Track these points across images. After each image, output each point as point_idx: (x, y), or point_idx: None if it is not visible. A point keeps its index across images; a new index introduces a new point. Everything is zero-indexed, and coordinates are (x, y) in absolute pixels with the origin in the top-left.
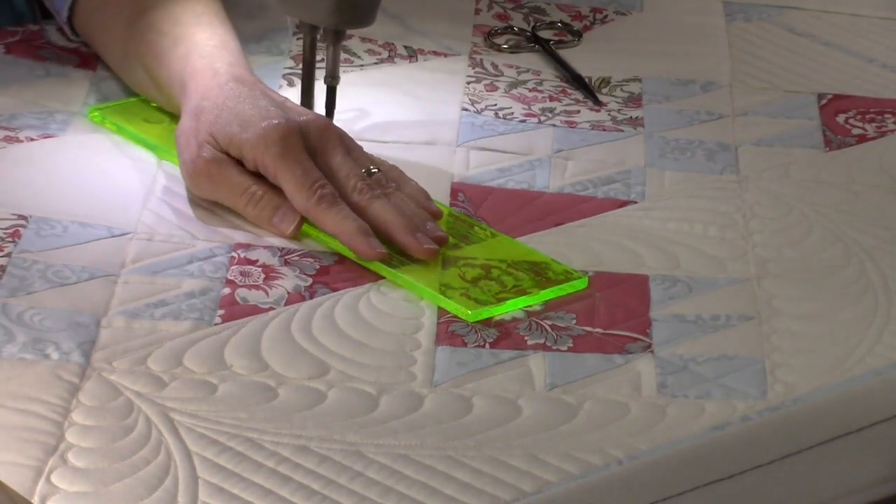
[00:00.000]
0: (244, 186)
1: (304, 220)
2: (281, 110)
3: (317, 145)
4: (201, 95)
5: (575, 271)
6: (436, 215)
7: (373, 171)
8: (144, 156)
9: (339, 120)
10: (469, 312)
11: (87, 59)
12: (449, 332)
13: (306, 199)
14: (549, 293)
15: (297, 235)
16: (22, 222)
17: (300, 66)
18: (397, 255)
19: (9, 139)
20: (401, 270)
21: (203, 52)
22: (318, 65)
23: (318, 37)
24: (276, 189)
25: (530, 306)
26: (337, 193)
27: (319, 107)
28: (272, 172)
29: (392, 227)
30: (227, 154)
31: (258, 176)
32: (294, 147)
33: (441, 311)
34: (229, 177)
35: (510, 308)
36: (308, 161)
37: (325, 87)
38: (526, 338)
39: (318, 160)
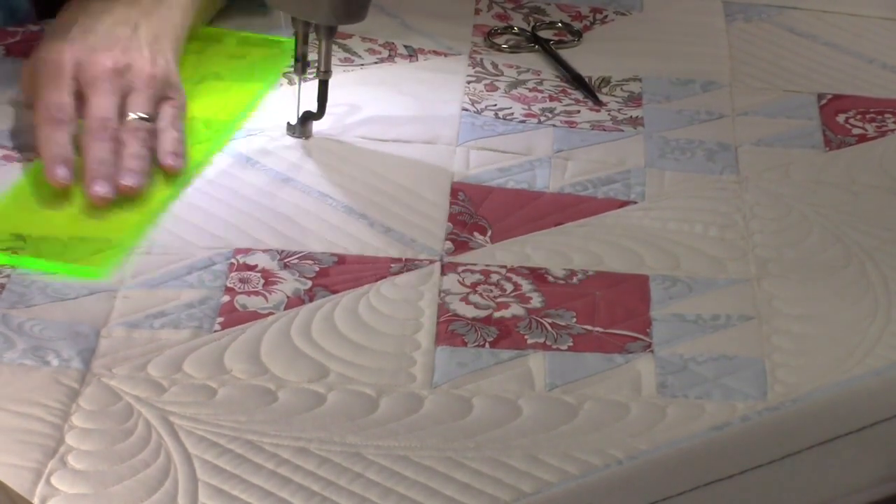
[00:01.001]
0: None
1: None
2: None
3: (89, 81)
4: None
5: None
6: (169, 169)
7: (133, 116)
8: None
9: (338, 119)
10: (96, 270)
11: None
12: (449, 331)
13: (36, 116)
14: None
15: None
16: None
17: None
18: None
19: (8, 158)
20: (25, 254)
21: None
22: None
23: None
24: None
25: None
26: (70, 121)
27: (311, 101)
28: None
29: (86, 171)
30: None
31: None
32: (49, 75)
33: (441, 311)
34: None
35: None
36: (60, 89)
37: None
38: (526, 336)
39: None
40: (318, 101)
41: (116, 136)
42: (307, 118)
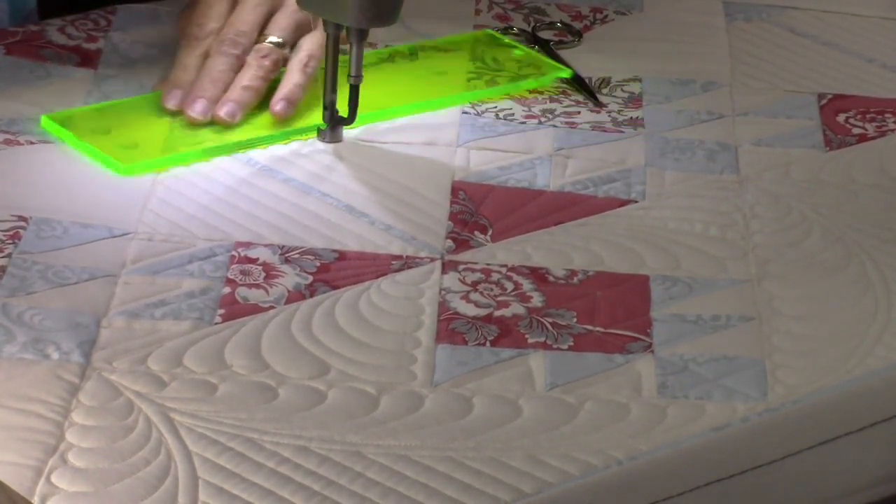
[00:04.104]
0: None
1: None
2: None
3: None
4: None
5: None
6: (274, 115)
7: (271, 40)
8: None
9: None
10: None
11: (87, 58)
12: (449, 329)
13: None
14: None
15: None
16: (22, 224)
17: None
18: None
19: (8, 142)
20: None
21: None
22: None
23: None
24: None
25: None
26: (207, 37)
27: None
28: None
29: (195, 83)
30: None
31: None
32: None
33: (442, 309)
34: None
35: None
36: (211, 7)
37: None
38: (526, 335)
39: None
40: (350, 105)
41: (243, 55)
42: (337, 123)
